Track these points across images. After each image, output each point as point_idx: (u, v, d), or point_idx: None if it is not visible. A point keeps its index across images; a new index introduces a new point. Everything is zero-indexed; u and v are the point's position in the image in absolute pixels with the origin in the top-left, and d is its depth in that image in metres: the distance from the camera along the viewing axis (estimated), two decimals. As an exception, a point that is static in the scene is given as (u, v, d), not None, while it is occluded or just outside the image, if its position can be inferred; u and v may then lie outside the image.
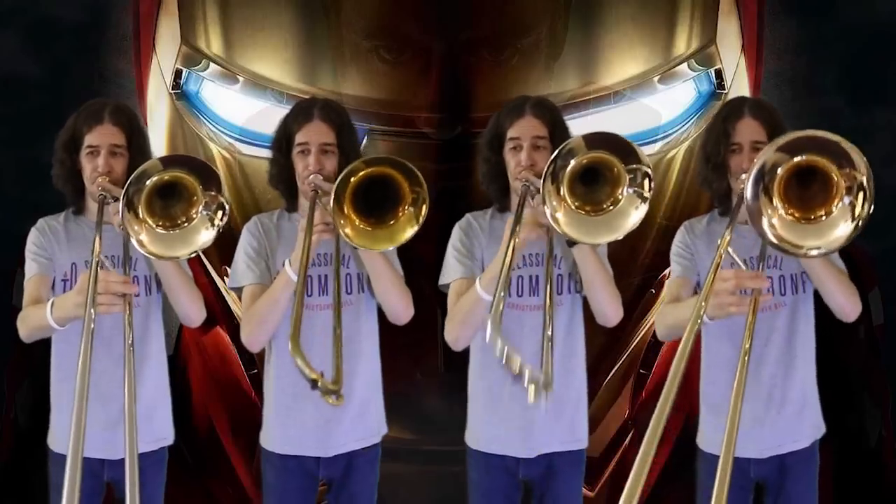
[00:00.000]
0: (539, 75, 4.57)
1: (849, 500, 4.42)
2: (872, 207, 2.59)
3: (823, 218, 2.62)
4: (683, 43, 4.63)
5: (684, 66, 4.63)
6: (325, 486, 3.19)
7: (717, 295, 2.71)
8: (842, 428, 4.36)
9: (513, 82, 4.52)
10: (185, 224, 2.89)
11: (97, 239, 2.92)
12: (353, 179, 2.86)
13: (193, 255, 2.93)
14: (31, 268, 3.09)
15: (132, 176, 2.84)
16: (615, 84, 4.58)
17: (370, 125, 4.48)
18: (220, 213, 2.89)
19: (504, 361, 2.71)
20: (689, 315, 2.70)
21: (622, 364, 4.58)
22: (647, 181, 2.82)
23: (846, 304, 2.91)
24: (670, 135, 4.63)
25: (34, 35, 4.84)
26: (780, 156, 2.60)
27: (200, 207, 2.88)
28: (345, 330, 3.01)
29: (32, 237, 3.11)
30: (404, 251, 2.99)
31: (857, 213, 2.59)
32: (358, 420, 3.11)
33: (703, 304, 2.67)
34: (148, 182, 2.84)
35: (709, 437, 3.05)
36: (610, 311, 3.05)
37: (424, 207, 2.88)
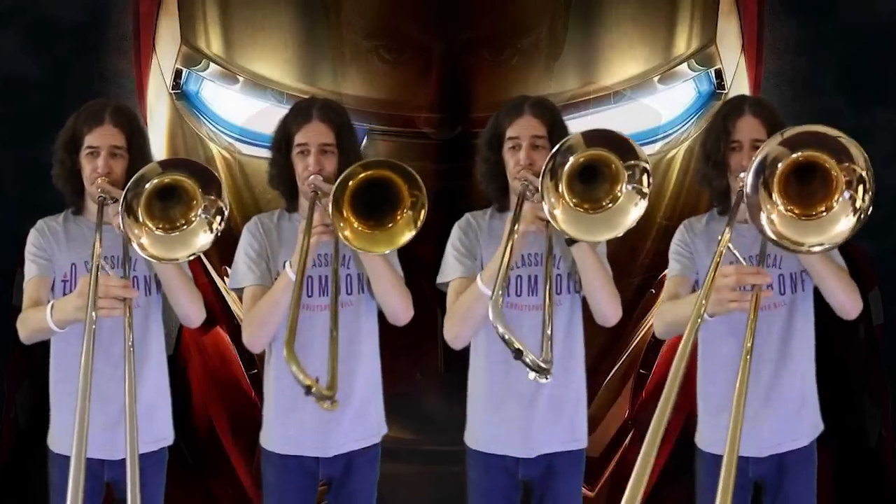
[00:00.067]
0: (539, 75, 4.57)
1: (849, 500, 4.42)
2: (873, 198, 2.58)
3: (824, 214, 2.62)
4: (683, 43, 4.63)
5: (684, 66, 4.62)
6: (325, 485, 3.20)
7: (718, 291, 2.70)
8: (842, 428, 4.37)
9: (513, 82, 4.52)
10: (184, 227, 2.89)
11: (97, 241, 2.92)
12: (351, 183, 2.86)
13: (192, 257, 2.93)
14: (30, 269, 3.09)
15: (131, 181, 2.84)
16: (615, 84, 4.58)
17: (370, 125, 4.48)
18: (218, 217, 2.88)
19: (505, 344, 2.70)
20: (687, 312, 2.69)
21: (622, 364, 4.57)
22: (645, 177, 2.81)
23: (846, 302, 2.91)
24: (670, 135, 4.63)
25: (34, 35, 4.84)
26: (782, 150, 2.60)
27: (199, 211, 2.88)
28: (345, 330, 3.01)
29: (32, 238, 3.11)
30: (404, 252, 2.99)
31: (857, 206, 2.58)
32: (358, 420, 3.11)
33: (703, 301, 2.67)
34: (147, 185, 2.84)
35: (707, 437, 3.05)
36: (609, 310, 3.05)
37: (423, 212, 2.88)
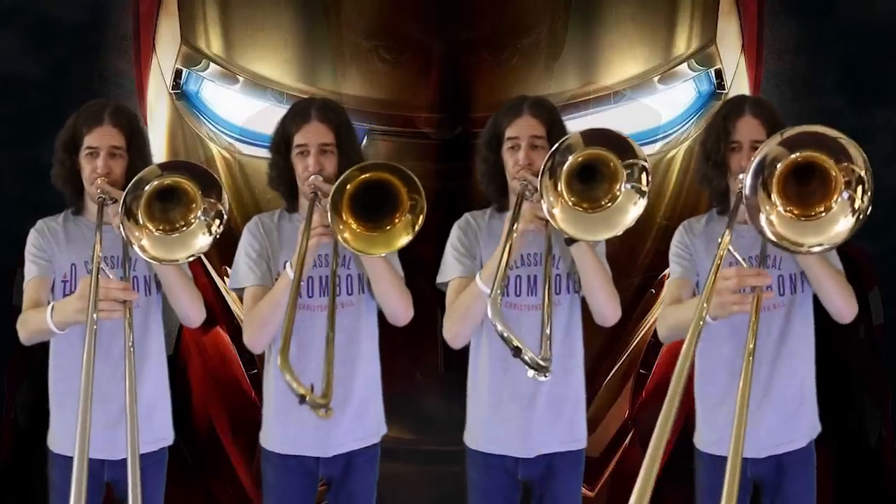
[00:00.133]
0: (539, 75, 4.57)
1: (849, 500, 4.42)
2: (871, 198, 2.58)
3: (823, 214, 2.62)
4: (683, 43, 4.63)
5: (684, 66, 4.62)
6: (325, 485, 3.20)
7: (720, 294, 2.70)
8: (842, 428, 4.37)
9: (513, 82, 4.52)
10: (184, 228, 2.89)
11: (97, 243, 2.92)
12: (348, 186, 2.86)
13: (192, 259, 2.93)
14: (30, 270, 3.09)
15: (130, 184, 2.84)
16: (615, 84, 4.58)
17: (370, 125, 4.48)
18: (217, 220, 2.89)
19: (504, 342, 2.70)
20: (690, 316, 2.69)
21: (622, 364, 4.57)
22: (644, 176, 2.81)
23: (843, 307, 2.92)
24: (670, 135, 4.63)
25: (34, 35, 4.85)
26: (781, 150, 2.60)
27: (199, 213, 2.89)
28: (344, 331, 3.01)
29: (32, 239, 3.11)
30: (404, 252, 2.99)
31: (856, 206, 2.58)
32: (357, 420, 3.11)
33: (705, 304, 2.67)
34: (147, 187, 2.84)
35: (706, 437, 3.05)
36: (608, 310, 3.05)
37: (421, 217, 2.88)
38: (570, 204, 2.81)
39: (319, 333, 3.01)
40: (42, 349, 3.14)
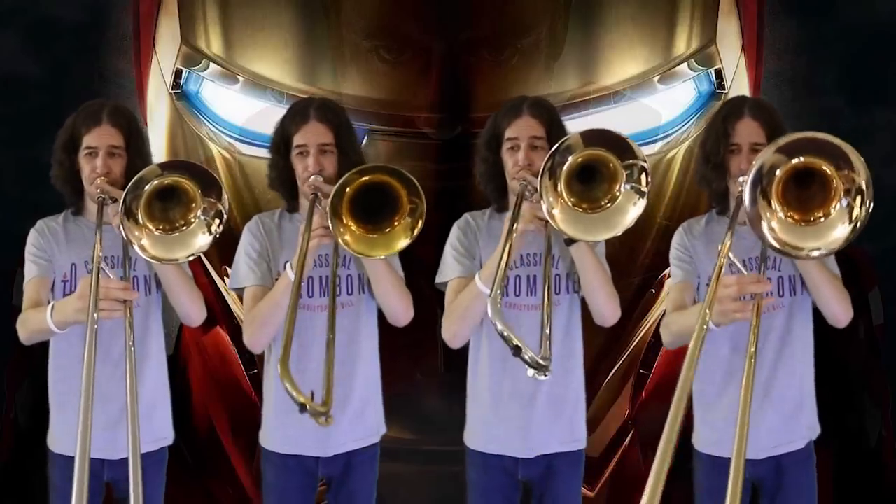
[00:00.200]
0: (539, 75, 4.57)
1: (849, 500, 4.42)
2: (870, 210, 2.59)
3: (822, 219, 2.63)
4: (683, 43, 4.63)
5: (684, 66, 4.62)
6: (324, 485, 3.20)
7: (721, 302, 2.72)
8: (842, 428, 4.37)
9: (513, 82, 4.52)
10: (184, 227, 2.89)
11: (97, 242, 2.92)
12: (348, 189, 2.87)
13: (191, 258, 2.93)
14: (30, 270, 3.09)
15: (130, 183, 2.85)
16: (615, 84, 4.58)
17: (370, 125, 4.48)
18: (217, 220, 2.89)
19: (504, 341, 2.71)
20: (692, 322, 2.72)
21: (622, 364, 4.57)
22: (644, 176, 2.82)
23: (839, 312, 2.92)
24: (670, 135, 4.63)
25: (34, 35, 4.85)
26: (779, 157, 2.61)
27: (199, 212, 2.89)
28: (344, 331, 3.01)
29: (32, 239, 3.11)
30: (404, 252, 2.99)
31: (854, 215, 2.60)
32: (357, 420, 3.11)
33: (707, 311, 2.69)
34: (147, 186, 2.84)
35: (704, 438, 3.05)
36: (608, 311, 3.05)
37: (421, 221, 2.89)
38: (570, 204, 2.82)
39: (320, 333, 3.01)
40: (42, 349, 3.14)
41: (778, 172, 2.61)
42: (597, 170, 2.85)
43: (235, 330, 4.39)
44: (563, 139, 2.83)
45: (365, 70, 4.56)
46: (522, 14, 4.58)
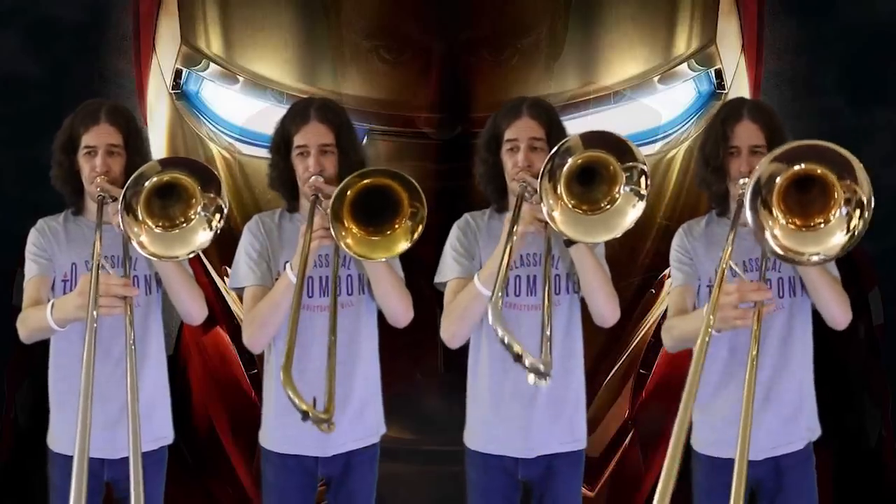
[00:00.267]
0: (539, 75, 4.57)
1: (849, 500, 4.42)
2: (868, 225, 2.62)
3: (822, 225, 2.66)
4: (683, 43, 4.63)
5: (684, 66, 4.62)
6: (324, 485, 3.20)
7: (722, 309, 2.75)
8: (842, 428, 4.37)
9: (513, 82, 4.52)
10: (184, 224, 2.90)
11: (97, 240, 2.92)
12: (349, 193, 2.87)
13: (192, 255, 2.93)
14: (30, 269, 3.09)
15: (130, 179, 2.85)
16: (615, 84, 4.58)
17: (370, 125, 4.48)
18: (217, 215, 2.89)
19: (505, 347, 2.71)
20: (693, 327, 2.77)
21: (622, 364, 4.57)
22: (643, 179, 2.83)
23: (838, 315, 2.93)
24: (670, 135, 4.63)
25: (34, 35, 4.85)
26: (777, 166, 2.64)
27: (199, 209, 2.89)
28: (344, 331, 3.01)
29: (32, 238, 3.11)
30: (404, 253, 2.99)
31: (852, 225, 2.63)
32: (357, 420, 3.11)
33: (710, 317, 2.72)
34: (147, 183, 2.85)
35: (702, 439, 3.05)
36: (607, 311, 3.05)
37: (421, 226, 2.90)
38: (570, 206, 2.83)
39: (319, 334, 3.01)
40: (42, 349, 3.14)
41: (778, 180, 2.63)
42: (596, 172, 2.85)
43: (235, 330, 4.39)
44: (563, 141, 2.84)
45: (365, 70, 4.56)
46: (522, 14, 4.58)
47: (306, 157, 3.07)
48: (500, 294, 2.77)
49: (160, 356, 3.16)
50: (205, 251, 2.96)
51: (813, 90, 4.82)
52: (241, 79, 4.59)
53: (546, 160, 2.81)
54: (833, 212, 2.64)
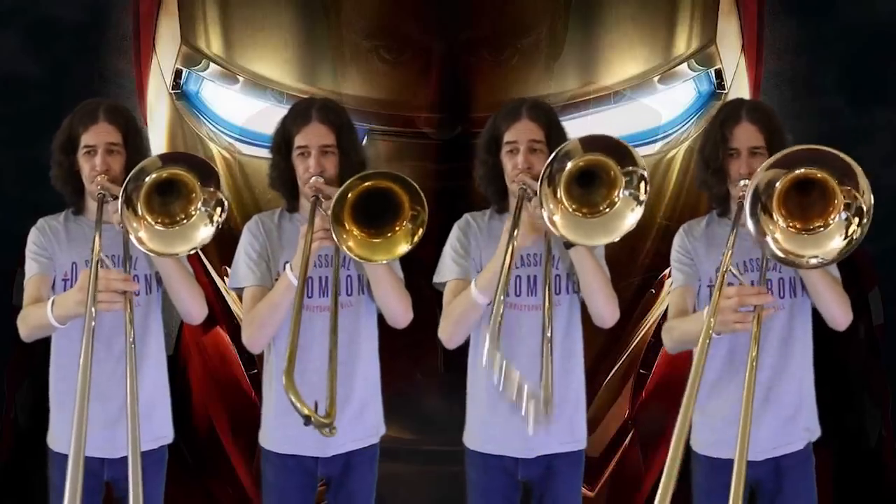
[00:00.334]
0: (539, 75, 4.57)
1: (849, 500, 4.42)
2: (866, 231, 2.64)
3: (821, 229, 2.68)
4: (683, 43, 4.63)
5: (684, 66, 4.62)
6: (324, 485, 3.20)
7: (722, 312, 2.76)
8: (842, 428, 4.37)
9: (513, 82, 4.52)
10: (185, 221, 2.90)
11: (97, 237, 2.92)
12: (350, 195, 2.87)
13: (193, 251, 2.94)
14: (31, 267, 3.09)
15: (131, 173, 2.85)
16: (615, 84, 4.58)
17: (370, 125, 4.48)
18: (218, 209, 2.90)
19: (502, 378, 2.74)
20: (694, 329, 2.79)
21: (622, 364, 4.57)
22: (643, 184, 2.85)
23: (839, 316, 2.94)
24: (670, 135, 4.63)
25: (34, 35, 4.85)
26: (775, 172, 2.65)
27: (199, 204, 2.90)
28: (344, 331, 3.01)
29: (32, 237, 3.11)
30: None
31: (850, 231, 2.65)
32: (356, 421, 3.11)
33: (710, 320, 2.74)
34: (147, 179, 2.85)
35: (702, 440, 3.05)
36: (606, 312, 3.05)
37: (421, 229, 2.90)
38: (570, 210, 2.84)
39: (319, 334, 3.01)
40: (42, 349, 3.14)
41: (778, 185, 2.64)
42: (596, 175, 2.86)
43: (235, 330, 4.39)
44: (562, 146, 2.85)
45: (365, 70, 4.56)
46: (522, 14, 4.58)
47: (307, 157, 3.07)
48: (497, 325, 2.80)
49: (160, 356, 3.16)
50: (205, 251, 2.97)
51: (813, 90, 4.82)
52: (241, 79, 4.60)
53: (545, 166, 2.82)
54: (832, 216, 2.66)
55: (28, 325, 3.05)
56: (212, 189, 2.90)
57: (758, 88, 4.68)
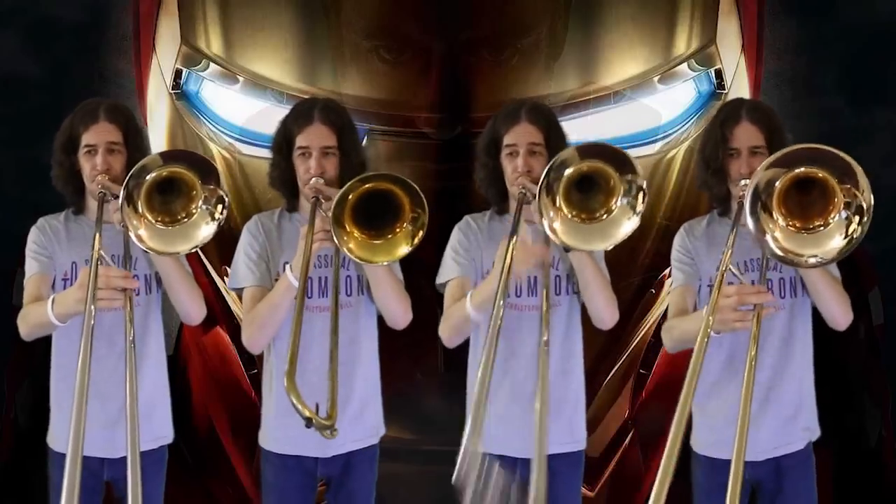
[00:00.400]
0: (539, 75, 4.57)
1: (849, 500, 4.42)
2: (866, 230, 2.64)
3: (821, 228, 2.68)
4: (683, 43, 4.63)
5: (684, 66, 4.63)
6: (324, 485, 3.20)
7: (721, 311, 2.76)
8: (842, 428, 4.37)
9: (513, 82, 4.53)
10: (185, 219, 2.90)
11: (97, 235, 2.92)
12: (350, 197, 2.88)
13: (194, 249, 2.94)
14: (31, 266, 3.09)
15: (132, 170, 2.86)
16: (615, 84, 4.58)
17: (370, 125, 4.48)
18: (219, 206, 2.90)
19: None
20: (693, 328, 2.78)
21: (622, 364, 4.58)
22: (641, 195, 2.86)
23: (839, 315, 2.94)
24: (670, 135, 4.63)
25: (34, 35, 4.85)
26: (775, 171, 2.65)
27: (200, 202, 2.90)
28: (344, 331, 3.01)
29: (33, 236, 3.11)
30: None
31: (850, 230, 2.65)
32: (356, 421, 3.11)
33: (709, 318, 2.74)
34: (148, 177, 2.85)
35: (702, 440, 3.05)
36: (606, 314, 3.05)
37: (422, 232, 2.91)
38: (569, 216, 2.85)
39: (319, 334, 3.01)
40: (43, 349, 3.14)
41: (778, 184, 2.65)
42: (596, 181, 2.88)
43: (235, 330, 4.39)
44: (558, 156, 2.86)
45: (365, 70, 4.56)
46: (522, 14, 4.58)
47: (308, 158, 3.07)
48: (485, 387, 2.82)
49: (160, 356, 3.16)
50: (205, 251, 2.97)
51: (813, 90, 4.82)
52: (241, 79, 4.60)
53: (542, 176, 2.84)
54: (832, 215, 2.66)
55: (28, 323, 3.05)
56: (212, 186, 2.90)
57: (758, 88, 4.68)
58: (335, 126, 3.10)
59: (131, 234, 2.85)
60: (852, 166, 2.63)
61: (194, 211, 2.90)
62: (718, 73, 4.62)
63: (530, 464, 3.09)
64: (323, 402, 2.82)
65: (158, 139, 4.62)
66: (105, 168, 3.03)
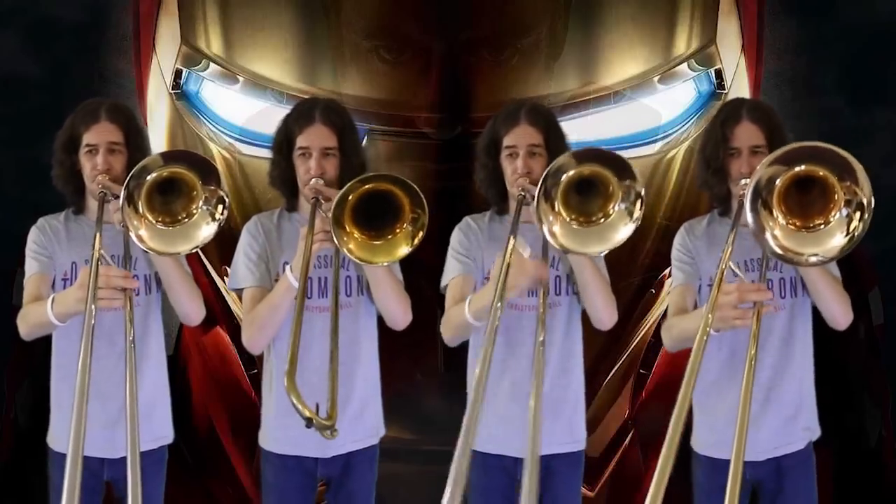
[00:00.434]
0: (539, 75, 4.57)
1: (849, 500, 4.42)
2: (867, 227, 2.64)
3: (822, 227, 2.68)
4: (683, 43, 4.63)
5: (684, 66, 4.63)
6: (324, 485, 3.20)
7: (721, 309, 2.76)
8: (842, 428, 4.37)
9: (513, 82, 4.53)
10: (186, 220, 2.90)
11: (97, 235, 2.92)
12: (350, 197, 2.88)
13: (195, 250, 2.94)
14: (31, 266, 3.09)
15: (133, 170, 2.86)
16: (615, 84, 4.58)
17: (370, 125, 4.48)
18: (220, 206, 2.90)
19: None
20: (693, 326, 2.78)
21: (622, 364, 4.58)
22: (638, 202, 2.86)
23: (839, 315, 2.94)
24: (670, 135, 4.63)
25: (34, 35, 4.85)
26: (776, 169, 2.65)
27: (201, 202, 2.90)
28: (344, 332, 3.01)
29: (33, 236, 3.11)
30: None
31: (852, 227, 2.65)
32: (356, 421, 3.11)
33: (709, 316, 2.74)
34: (148, 177, 2.85)
35: (702, 440, 3.05)
36: (605, 315, 3.05)
37: (422, 232, 2.91)
38: (568, 220, 2.86)
39: (319, 334, 3.01)
40: (43, 349, 3.14)
41: (778, 182, 2.65)
42: (594, 185, 2.88)
43: (235, 330, 4.39)
44: (554, 162, 2.86)
45: (365, 70, 4.56)
46: (522, 14, 4.58)
47: (308, 158, 3.07)
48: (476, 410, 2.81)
49: (160, 356, 3.16)
50: (205, 251, 2.97)
51: (813, 90, 4.82)
52: (241, 79, 4.60)
53: (540, 183, 2.84)
54: (833, 213, 2.66)
55: (28, 323, 3.05)
56: (213, 187, 2.90)
57: (758, 88, 4.68)
58: (336, 127, 3.09)
59: (132, 235, 2.85)
60: (851, 163, 2.63)
61: (195, 211, 2.90)
62: (718, 73, 4.63)
63: (530, 464, 3.11)
64: (323, 403, 2.82)
65: (158, 139, 4.62)
66: (106, 168, 3.03)
